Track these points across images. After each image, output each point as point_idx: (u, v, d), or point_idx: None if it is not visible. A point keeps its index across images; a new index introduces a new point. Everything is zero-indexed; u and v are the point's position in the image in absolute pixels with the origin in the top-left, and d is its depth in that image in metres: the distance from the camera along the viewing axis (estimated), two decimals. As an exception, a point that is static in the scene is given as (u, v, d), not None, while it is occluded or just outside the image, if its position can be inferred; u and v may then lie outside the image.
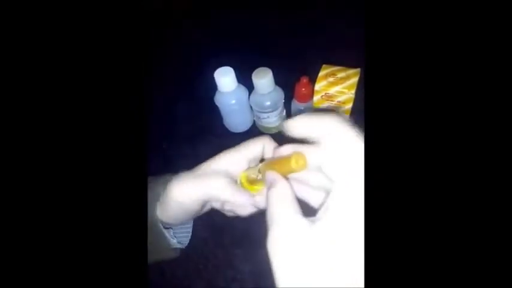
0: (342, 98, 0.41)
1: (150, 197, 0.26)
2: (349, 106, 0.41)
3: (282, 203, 0.17)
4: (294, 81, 0.46)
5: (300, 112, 0.49)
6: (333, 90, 0.40)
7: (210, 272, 0.41)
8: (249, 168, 0.25)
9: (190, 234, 0.31)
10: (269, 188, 0.18)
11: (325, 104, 0.43)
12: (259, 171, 0.23)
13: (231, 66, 0.47)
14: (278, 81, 0.49)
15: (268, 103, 0.48)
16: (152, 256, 0.21)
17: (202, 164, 0.26)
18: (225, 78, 0.46)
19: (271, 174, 0.19)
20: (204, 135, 0.56)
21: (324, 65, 0.43)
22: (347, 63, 0.43)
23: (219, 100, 0.50)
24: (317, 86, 0.41)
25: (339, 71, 0.42)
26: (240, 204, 0.25)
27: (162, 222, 0.26)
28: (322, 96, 0.42)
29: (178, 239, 0.29)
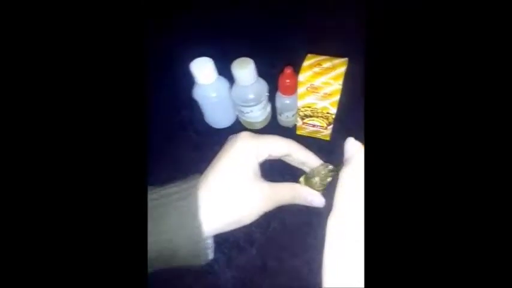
0: (328, 90, 0.38)
1: (184, 208, 0.23)
2: (336, 98, 0.38)
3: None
4: (278, 72, 0.43)
5: (286, 106, 0.46)
6: (318, 81, 0.37)
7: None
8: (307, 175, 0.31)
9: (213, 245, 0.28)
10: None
11: (311, 97, 0.40)
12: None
13: (209, 57, 0.44)
14: (261, 72, 0.46)
15: (250, 96, 0.45)
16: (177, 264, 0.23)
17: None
18: (204, 70, 0.43)
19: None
20: (183, 133, 0.52)
21: (308, 55, 0.40)
22: (333, 53, 0.40)
23: (198, 94, 0.46)
24: (301, 77, 0.38)
25: (325, 60, 0.39)
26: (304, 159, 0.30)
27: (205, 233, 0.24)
28: (307, 88, 0.39)
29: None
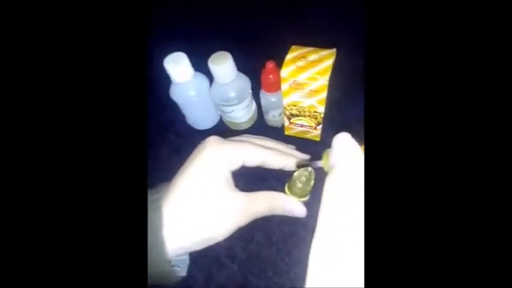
0: (313, 86, 0.33)
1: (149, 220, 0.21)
2: (322, 95, 0.34)
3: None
4: (262, 66, 0.39)
5: (271, 105, 0.42)
6: (302, 76, 0.33)
7: None
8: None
9: (188, 261, 0.26)
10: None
11: (296, 94, 0.36)
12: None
13: (185, 53, 0.40)
14: (244, 67, 0.42)
15: (231, 94, 0.41)
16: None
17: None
18: (178, 67, 0.39)
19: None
20: (164, 135, 0.49)
21: (293, 46, 0.36)
22: (322, 44, 0.36)
23: (176, 93, 0.42)
24: (283, 73, 0.34)
25: (311, 52, 0.35)
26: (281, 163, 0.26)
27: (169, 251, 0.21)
28: (290, 84, 0.34)
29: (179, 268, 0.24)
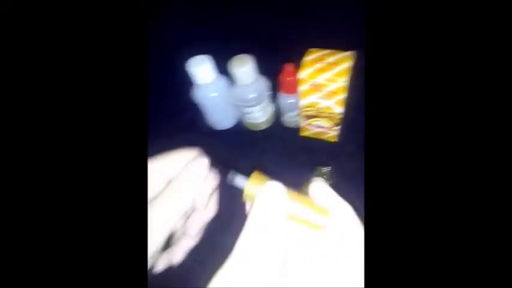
0: (332, 88, 0.34)
1: None
2: (341, 96, 0.35)
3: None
4: (281, 68, 0.40)
5: (289, 106, 0.43)
6: (321, 78, 0.34)
7: None
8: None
9: None
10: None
11: (314, 96, 0.37)
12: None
13: (207, 55, 0.42)
14: (262, 69, 0.43)
15: (251, 95, 0.42)
16: None
17: None
18: (201, 68, 0.41)
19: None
20: (184, 134, 0.51)
21: (310, 49, 0.37)
22: (338, 47, 0.36)
23: (197, 94, 0.44)
24: (302, 74, 0.35)
25: (328, 55, 0.36)
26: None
27: None
28: (309, 86, 0.35)
29: None
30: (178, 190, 0.19)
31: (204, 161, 0.19)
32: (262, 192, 0.16)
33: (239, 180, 0.18)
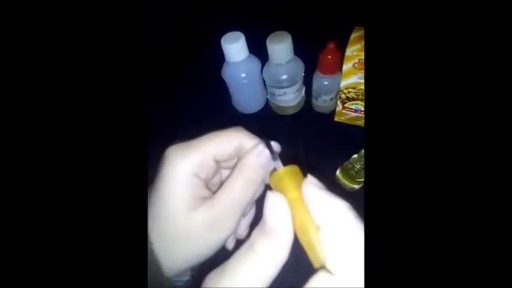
0: (379, 66, 0.32)
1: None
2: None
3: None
4: (317, 50, 0.38)
5: (325, 88, 0.41)
6: (368, 55, 0.32)
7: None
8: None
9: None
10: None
11: (356, 76, 0.35)
12: None
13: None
14: (297, 51, 0.41)
15: (285, 76, 0.40)
16: None
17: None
18: (234, 45, 0.39)
19: None
20: (209, 117, 0.49)
21: (357, 27, 0.35)
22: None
23: (227, 73, 0.42)
24: (348, 51, 0.33)
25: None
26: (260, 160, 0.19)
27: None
28: (354, 64, 0.33)
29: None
30: (249, 180, 0.19)
31: (267, 154, 0.19)
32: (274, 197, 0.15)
33: (278, 163, 0.17)
